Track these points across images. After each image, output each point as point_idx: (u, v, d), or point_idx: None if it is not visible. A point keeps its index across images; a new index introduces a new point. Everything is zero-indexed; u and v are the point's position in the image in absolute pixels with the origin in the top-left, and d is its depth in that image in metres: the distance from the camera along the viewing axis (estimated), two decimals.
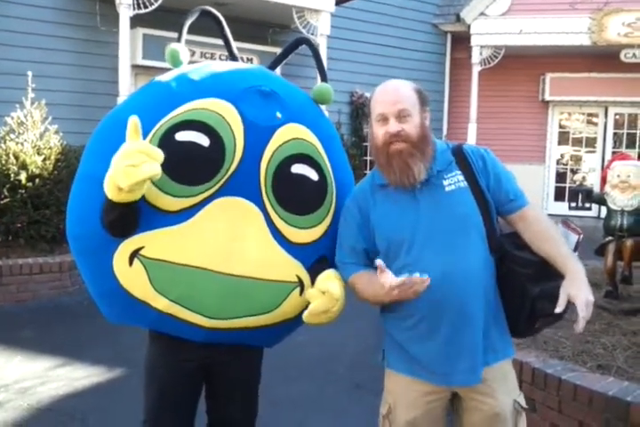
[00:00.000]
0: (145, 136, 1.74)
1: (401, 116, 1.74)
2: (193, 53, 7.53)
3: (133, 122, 1.63)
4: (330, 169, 1.96)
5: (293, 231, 1.87)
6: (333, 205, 1.95)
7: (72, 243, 1.90)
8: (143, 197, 1.71)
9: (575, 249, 1.88)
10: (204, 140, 1.76)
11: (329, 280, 1.84)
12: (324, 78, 2.15)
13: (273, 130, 1.84)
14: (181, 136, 1.75)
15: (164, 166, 1.68)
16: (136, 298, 1.80)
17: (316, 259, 1.93)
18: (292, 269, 1.87)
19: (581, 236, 1.91)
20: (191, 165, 1.76)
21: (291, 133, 1.87)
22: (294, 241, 1.87)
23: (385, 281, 1.64)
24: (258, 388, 2.12)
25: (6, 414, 3.17)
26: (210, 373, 2.00)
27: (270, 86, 1.89)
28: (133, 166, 1.57)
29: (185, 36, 2.02)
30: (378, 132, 1.78)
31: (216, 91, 1.83)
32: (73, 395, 3.45)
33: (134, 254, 1.75)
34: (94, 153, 1.85)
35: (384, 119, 1.76)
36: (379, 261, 1.67)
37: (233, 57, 2.17)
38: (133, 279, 1.78)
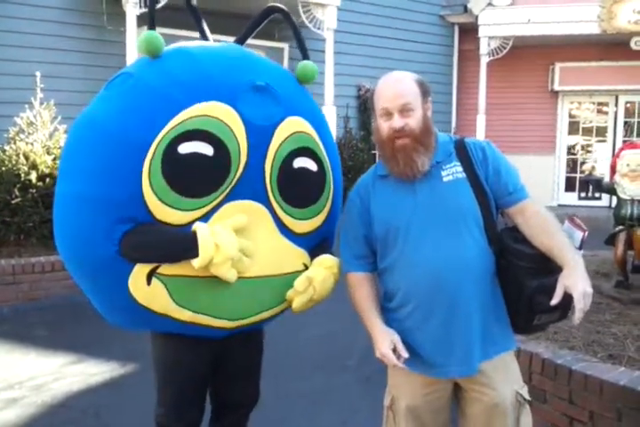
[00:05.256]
0: (148, 148, 1.66)
1: (404, 110, 1.75)
2: None
3: (240, 221, 1.74)
4: (325, 156, 1.98)
5: (298, 223, 1.90)
6: (332, 192, 1.99)
7: (73, 266, 1.83)
8: (154, 217, 1.69)
9: (580, 247, 1.83)
10: (208, 150, 1.70)
11: (316, 268, 1.91)
12: (305, 56, 2.07)
13: (273, 128, 1.83)
14: (185, 148, 1.68)
15: (172, 182, 1.66)
16: (155, 312, 1.77)
17: (317, 243, 1.99)
18: (299, 258, 1.93)
19: (586, 233, 1.86)
20: (198, 177, 1.71)
21: (290, 128, 1.87)
22: (299, 232, 1.92)
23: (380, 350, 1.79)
24: (260, 368, 2.17)
25: (21, 410, 3.21)
26: (219, 358, 2.03)
27: (261, 77, 1.84)
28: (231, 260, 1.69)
29: (155, 18, 1.84)
30: (382, 126, 1.79)
31: (211, 92, 1.74)
32: (87, 391, 3.48)
33: (151, 273, 1.71)
34: (81, 170, 1.72)
35: (387, 114, 1.77)
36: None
37: (204, 36, 2.14)
38: (152, 297, 1.74)
